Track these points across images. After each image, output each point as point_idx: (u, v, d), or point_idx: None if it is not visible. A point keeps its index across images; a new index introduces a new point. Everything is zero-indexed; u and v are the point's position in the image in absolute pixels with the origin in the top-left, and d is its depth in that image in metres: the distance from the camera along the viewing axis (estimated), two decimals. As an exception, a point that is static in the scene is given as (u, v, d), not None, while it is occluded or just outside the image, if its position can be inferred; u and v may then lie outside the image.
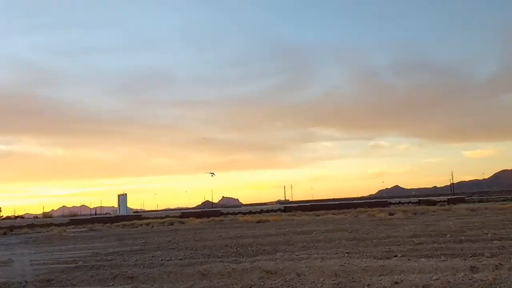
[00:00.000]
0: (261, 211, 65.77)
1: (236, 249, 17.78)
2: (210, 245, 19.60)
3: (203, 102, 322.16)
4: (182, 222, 46.71)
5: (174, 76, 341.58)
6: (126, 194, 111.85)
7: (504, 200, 70.14)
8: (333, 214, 46.08)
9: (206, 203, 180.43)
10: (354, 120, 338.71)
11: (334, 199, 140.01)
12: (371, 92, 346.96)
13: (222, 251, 17.48)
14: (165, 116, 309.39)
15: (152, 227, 43.54)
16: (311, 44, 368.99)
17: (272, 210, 66.68)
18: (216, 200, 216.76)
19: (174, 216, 59.95)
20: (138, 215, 71.24)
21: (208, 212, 66.45)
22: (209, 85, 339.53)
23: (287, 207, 69.92)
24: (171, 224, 45.52)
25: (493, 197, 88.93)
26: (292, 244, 18.10)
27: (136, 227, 45.39)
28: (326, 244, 17.36)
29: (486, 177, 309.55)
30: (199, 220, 48.93)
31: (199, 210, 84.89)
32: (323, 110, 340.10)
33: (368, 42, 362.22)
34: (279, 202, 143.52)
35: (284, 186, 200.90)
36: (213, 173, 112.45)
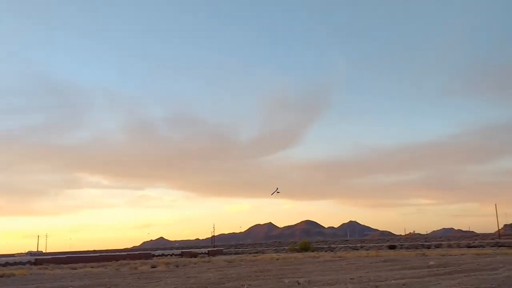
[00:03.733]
0: (6, 264, 56.89)
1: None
2: None
3: None
4: None
5: None
6: None
7: (256, 252, 77.29)
8: (92, 267, 42.74)
9: None
10: (124, 168, 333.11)
11: (94, 251, 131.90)
12: (143, 142, 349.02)
13: None
14: None
15: None
16: (85, 86, 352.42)
17: (20, 263, 58.40)
18: None
19: None
20: None
21: None
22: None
23: (38, 259, 62.23)
24: None
25: (247, 249, 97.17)
26: (39, 304, 15.63)
27: None
28: (80, 302, 15.51)
29: (243, 231, 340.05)
30: None
31: None
32: (91, 155, 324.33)
33: (145, 93, 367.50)
34: (29, 253, 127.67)
35: (38, 236, 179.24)
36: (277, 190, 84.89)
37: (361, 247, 79.96)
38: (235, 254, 75.90)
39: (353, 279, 19.34)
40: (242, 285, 18.50)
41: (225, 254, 78.01)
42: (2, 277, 33.38)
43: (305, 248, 70.07)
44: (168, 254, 73.47)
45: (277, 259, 43.84)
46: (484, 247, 62.40)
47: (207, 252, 77.09)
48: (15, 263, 58.52)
